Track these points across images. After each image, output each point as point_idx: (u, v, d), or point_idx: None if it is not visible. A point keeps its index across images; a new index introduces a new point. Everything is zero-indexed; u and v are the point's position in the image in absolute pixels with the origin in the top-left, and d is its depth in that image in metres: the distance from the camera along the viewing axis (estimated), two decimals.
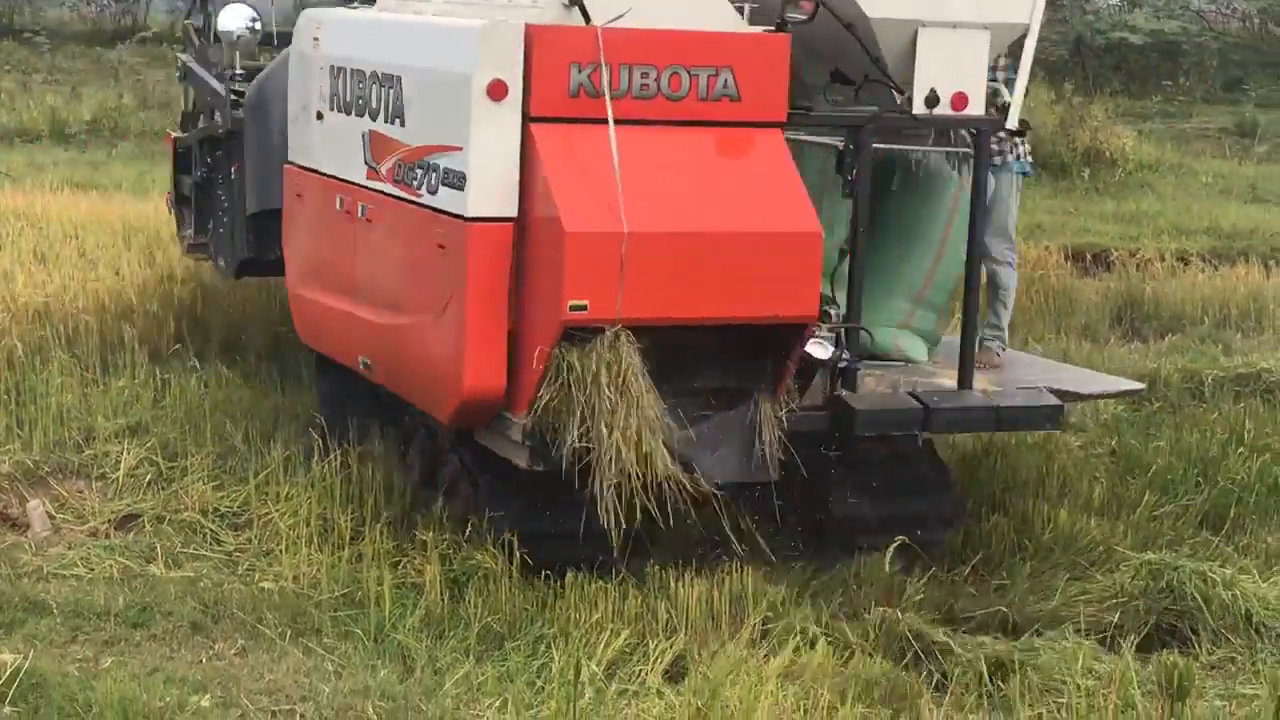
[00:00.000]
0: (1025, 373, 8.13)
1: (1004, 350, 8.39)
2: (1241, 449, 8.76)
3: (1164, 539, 7.92)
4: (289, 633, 6.57)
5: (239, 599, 6.89)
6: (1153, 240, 15.30)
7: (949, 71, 7.29)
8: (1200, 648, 6.71)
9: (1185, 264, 14.31)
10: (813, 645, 6.46)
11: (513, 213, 6.68)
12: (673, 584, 6.90)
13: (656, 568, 7.10)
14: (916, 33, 7.27)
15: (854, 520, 7.49)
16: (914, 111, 7.30)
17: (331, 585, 7.00)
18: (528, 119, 6.66)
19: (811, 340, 6.85)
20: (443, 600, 6.86)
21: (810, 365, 6.95)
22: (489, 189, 6.67)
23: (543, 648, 6.51)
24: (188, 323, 10.22)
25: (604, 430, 6.41)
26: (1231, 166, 20.43)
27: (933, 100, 7.26)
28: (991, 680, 6.38)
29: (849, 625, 6.80)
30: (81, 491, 8.14)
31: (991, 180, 8.01)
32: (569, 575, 6.96)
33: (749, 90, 6.82)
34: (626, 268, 6.41)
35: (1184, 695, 6.26)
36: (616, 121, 6.60)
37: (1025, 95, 7.61)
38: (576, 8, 6.67)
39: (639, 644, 6.50)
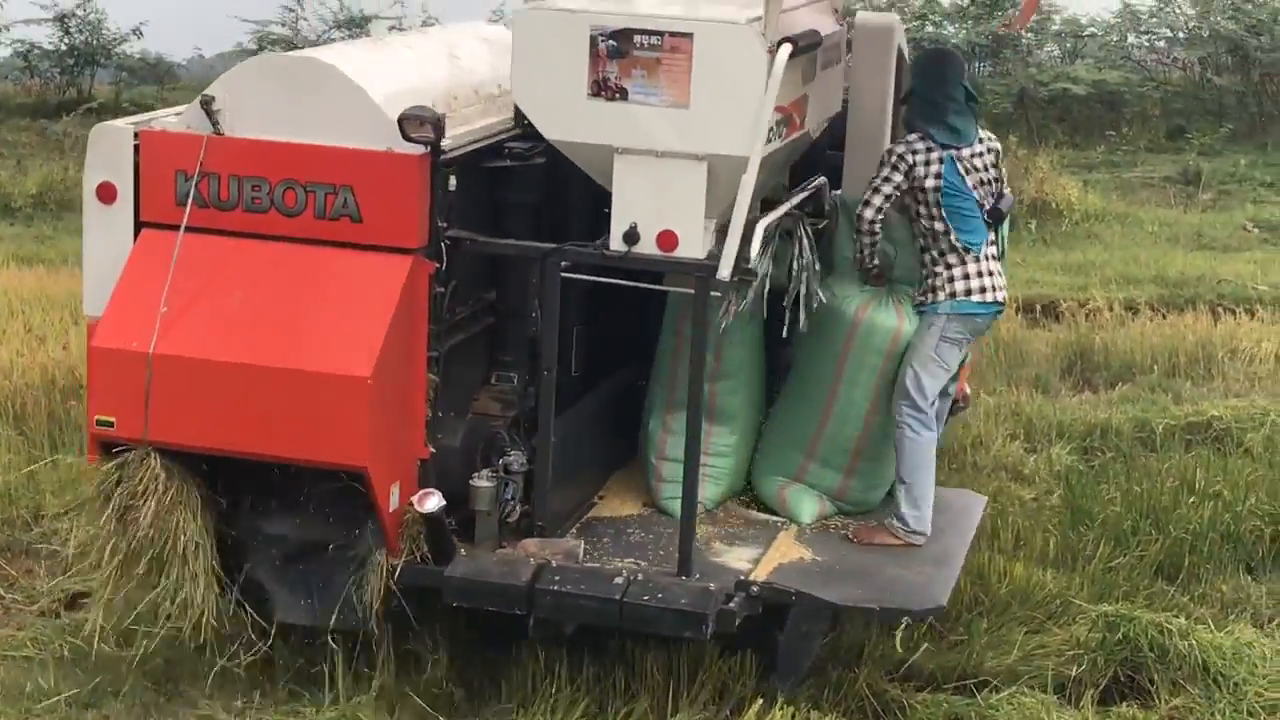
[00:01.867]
0: (863, 566, 7.00)
1: (913, 535, 7.18)
2: (1193, 497, 8.78)
3: (1119, 590, 7.92)
4: (246, 710, 6.50)
5: (191, 678, 6.81)
6: (1101, 290, 15.38)
7: (654, 206, 6.35)
8: (1158, 699, 6.71)
9: (1134, 313, 14.40)
10: (771, 705, 6.43)
11: None
12: (629, 650, 6.87)
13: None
14: (613, 160, 6.38)
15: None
16: (610, 248, 6.44)
17: (287, 662, 6.93)
18: (140, 224, 6.55)
19: (421, 493, 6.35)
20: (396, 676, 6.78)
21: (432, 519, 6.38)
22: (100, 290, 6.56)
23: (505, 717, 6.47)
24: None
25: (106, 549, 6.41)
26: (1176, 214, 20.58)
27: (632, 237, 6.35)
28: None
29: (806, 685, 6.76)
30: (30, 570, 8.06)
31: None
32: (526, 645, 6.88)
33: (371, 212, 6.34)
34: (153, 390, 6.23)
35: None
36: (219, 233, 6.44)
37: (752, 241, 6.45)
38: (203, 110, 6.46)
39: (599, 712, 6.47)
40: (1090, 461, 10.08)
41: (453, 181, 6.50)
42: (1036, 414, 10.97)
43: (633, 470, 7.67)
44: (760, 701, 6.44)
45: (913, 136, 7.21)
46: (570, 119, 6.42)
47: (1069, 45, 26.95)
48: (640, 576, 6.52)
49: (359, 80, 6.45)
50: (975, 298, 7.16)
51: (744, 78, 6.25)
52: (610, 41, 6.30)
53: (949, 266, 7.17)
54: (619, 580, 6.43)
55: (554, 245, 6.60)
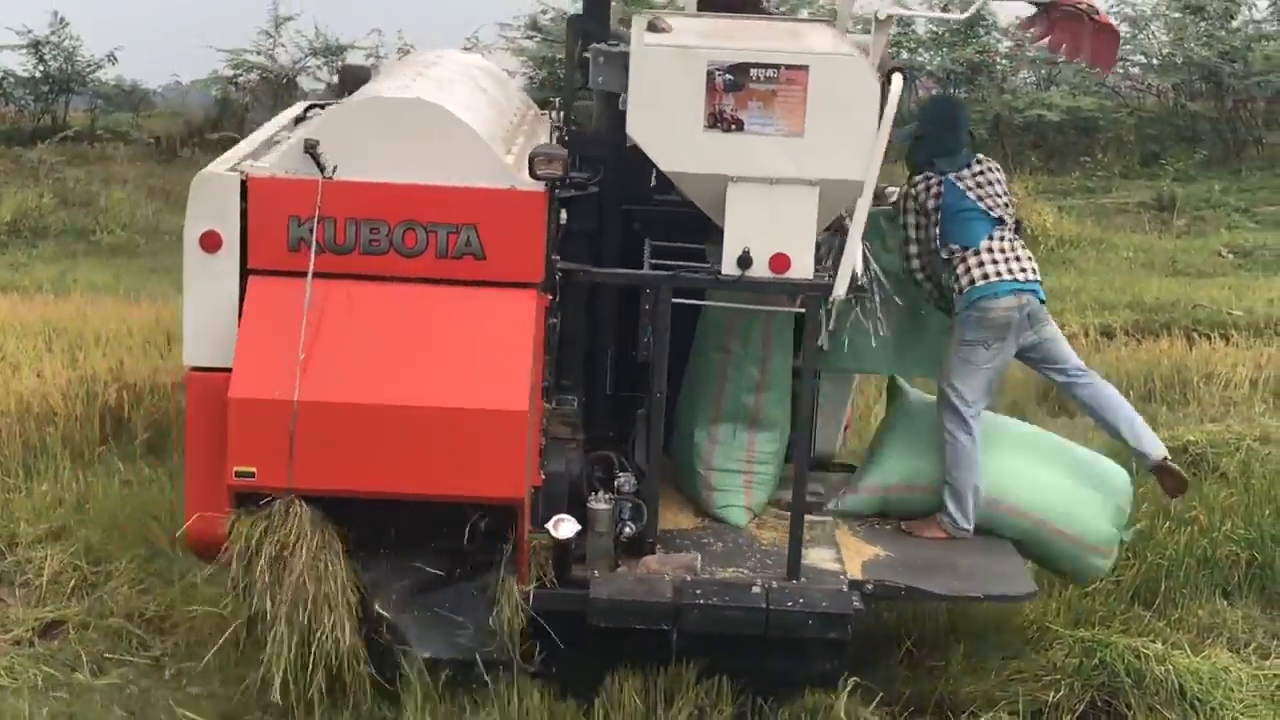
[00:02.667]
0: (934, 559, 7.32)
1: (959, 526, 7.53)
2: (1169, 522, 8.79)
3: (1096, 615, 7.92)
4: None
5: (165, 704, 6.78)
6: (1076, 315, 15.43)
7: (766, 231, 6.70)
8: None
9: (1109, 338, 14.46)
10: None
11: (228, 364, 6.46)
12: (607, 678, 6.85)
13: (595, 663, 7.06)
14: (727, 189, 6.71)
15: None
16: (723, 271, 6.78)
17: (261, 689, 6.89)
18: (246, 271, 6.54)
19: (555, 519, 6.56)
20: (376, 706, 6.76)
21: (562, 544, 6.60)
22: (203, 339, 6.59)
23: None
24: (111, 424, 10.12)
25: (268, 600, 6.36)
26: (1151, 240, 20.68)
27: (745, 261, 6.71)
28: None
29: (784, 712, 6.75)
30: (4, 599, 8.02)
31: None
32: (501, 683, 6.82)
33: (495, 249, 6.50)
34: (298, 436, 6.22)
35: None
36: (337, 276, 6.47)
37: (857, 260, 6.93)
38: (310, 155, 6.51)
39: None
40: None
41: (564, 215, 6.83)
42: None
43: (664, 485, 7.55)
44: None
45: (917, 178, 7.67)
46: (686, 150, 6.69)
47: (1044, 71, 27.07)
48: (775, 584, 6.76)
49: (467, 119, 6.62)
50: (980, 284, 7.42)
51: (857, 106, 6.62)
52: (727, 76, 6.62)
53: (952, 269, 7.53)
54: (757, 590, 6.70)
55: (669, 272, 6.83)
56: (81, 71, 25.55)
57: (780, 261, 6.71)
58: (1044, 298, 7.61)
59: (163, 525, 8.63)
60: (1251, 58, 24.95)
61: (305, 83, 28.24)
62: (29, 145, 23.03)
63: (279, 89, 27.37)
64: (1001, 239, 7.54)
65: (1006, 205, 7.67)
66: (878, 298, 7.70)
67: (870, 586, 6.90)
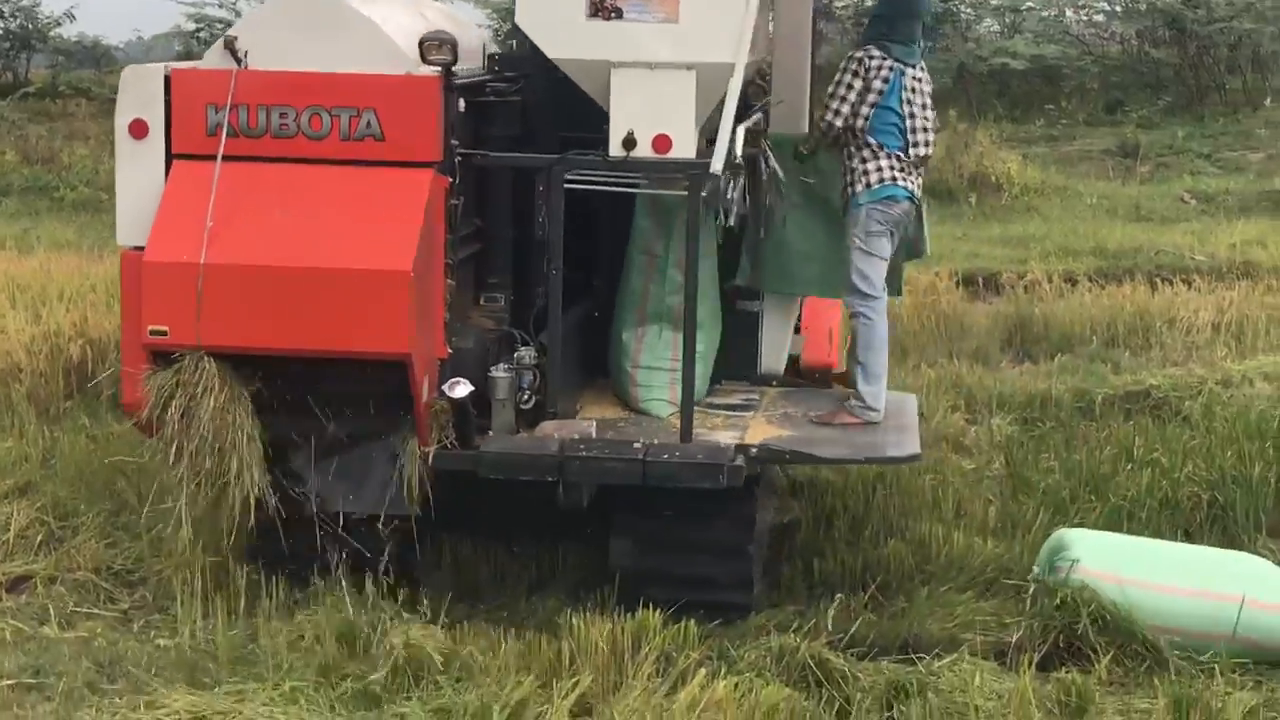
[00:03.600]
0: (834, 437, 7.73)
1: (869, 411, 7.89)
2: (1131, 465, 8.86)
3: None
4: (186, 689, 6.48)
5: (134, 657, 6.80)
6: (1040, 262, 15.51)
7: (649, 113, 7.07)
8: (1098, 664, 6.76)
9: (1073, 285, 14.53)
10: (714, 677, 6.47)
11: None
12: (575, 625, 6.89)
13: (564, 611, 7.12)
14: (610, 74, 7.10)
15: (638, 574, 7.37)
16: (610, 154, 7.12)
17: (228, 639, 6.92)
18: (170, 156, 7.09)
19: (450, 382, 6.96)
20: (341, 651, 6.80)
21: (458, 404, 6.98)
22: (133, 220, 7.12)
23: (448, 694, 6.47)
24: (76, 379, 10.11)
25: (181, 448, 6.89)
26: (1115, 187, 20.76)
27: (630, 143, 7.07)
28: (892, 705, 6.41)
29: (750, 654, 6.80)
30: None
31: None
32: (468, 623, 6.94)
33: (394, 131, 6.97)
34: (204, 297, 6.77)
35: (1082, 712, 6.35)
36: (251, 159, 7.01)
37: (737, 139, 7.19)
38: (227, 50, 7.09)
39: (544, 687, 6.48)
40: (1030, 431, 10.17)
41: (462, 103, 7.18)
42: (977, 385, 11.06)
43: (601, 386, 8.08)
44: (704, 671, 6.47)
45: (871, 47, 7.98)
46: (570, 38, 7.17)
47: (1008, 20, 27.10)
48: (657, 442, 7.22)
49: (367, 13, 7.14)
50: (889, 186, 7.89)
51: None
52: None
53: (864, 161, 7.91)
54: (639, 445, 7.17)
55: (559, 155, 7.24)
56: (42, 29, 25.37)
57: (662, 142, 7.06)
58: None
59: (129, 480, 8.65)
60: (1214, 3, 25.00)
61: None
62: None
63: None
64: (921, 149, 8.03)
65: (931, 116, 8.12)
66: (783, 216, 8.10)
67: (755, 450, 7.29)
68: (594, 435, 7.28)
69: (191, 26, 26.46)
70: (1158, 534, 8.21)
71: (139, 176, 7.12)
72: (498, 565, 7.84)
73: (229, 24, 25.95)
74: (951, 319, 13.22)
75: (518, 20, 7.35)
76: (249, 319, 6.84)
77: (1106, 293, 14.02)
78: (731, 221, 7.68)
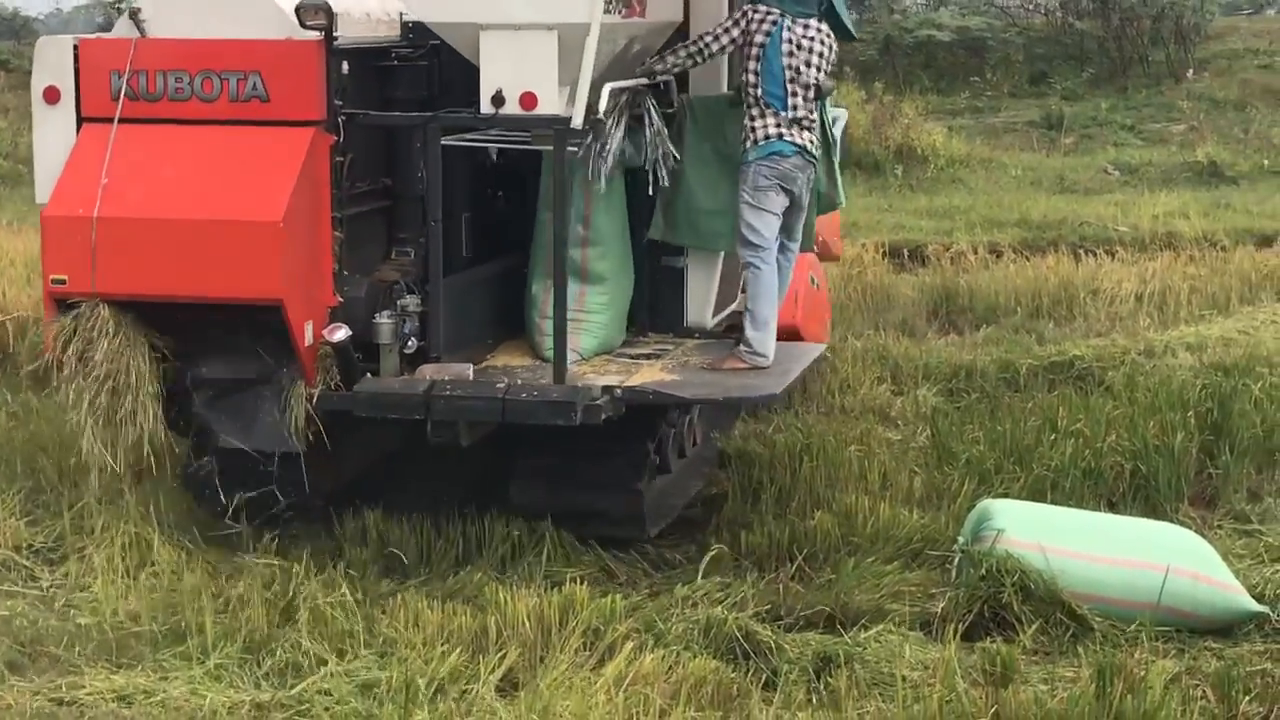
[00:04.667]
0: (713, 381, 8.05)
1: (756, 357, 8.18)
2: (1055, 435, 8.91)
3: None
4: (109, 668, 6.43)
5: (56, 636, 6.73)
6: (966, 234, 15.60)
7: (515, 72, 7.49)
8: (1023, 634, 6.80)
9: (998, 256, 14.62)
10: (641, 650, 6.47)
11: None
12: (501, 598, 6.88)
13: (491, 584, 7.10)
14: (479, 36, 7.52)
15: (530, 506, 7.93)
16: (480, 111, 7.56)
17: (151, 616, 6.86)
18: (80, 119, 7.60)
19: (330, 327, 7.47)
20: (267, 625, 6.76)
21: (338, 347, 7.47)
22: (48, 180, 7.61)
23: (373, 668, 6.44)
24: None
25: (81, 388, 7.41)
26: (1039, 159, 20.88)
27: (498, 100, 7.49)
28: (820, 676, 6.43)
29: (677, 626, 6.81)
30: None
31: None
32: (398, 596, 6.94)
33: (277, 92, 7.47)
34: (98, 248, 7.29)
35: (1007, 681, 6.38)
36: (143, 121, 7.53)
37: (601, 96, 7.65)
38: (130, 19, 7.62)
39: (470, 661, 6.47)
40: (956, 402, 10.22)
41: (345, 66, 7.55)
42: (903, 357, 11.10)
43: (521, 339, 8.46)
44: (631, 644, 6.47)
45: (759, 3, 8.22)
46: (442, 3, 7.73)
47: None
48: (520, 382, 7.67)
49: None
50: (775, 143, 8.16)
51: None
52: None
53: (753, 119, 8.21)
54: (501, 385, 7.60)
55: (432, 114, 7.71)
56: None
57: (529, 99, 7.48)
58: (817, 175, 8.56)
59: (50, 457, 8.56)
60: None
61: None
62: None
63: None
64: (806, 106, 8.22)
65: (817, 74, 8.25)
66: (659, 152, 8.28)
67: (619, 391, 7.64)
68: (469, 377, 7.65)
69: None
70: (1081, 504, 8.27)
71: (54, 139, 7.61)
72: (423, 539, 7.80)
73: None
74: (878, 290, 13.27)
75: None
76: (139, 268, 7.33)
77: (1031, 264, 14.10)
78: (603, 179, 7.96)
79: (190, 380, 7.66)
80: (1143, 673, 6.24)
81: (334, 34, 7.40)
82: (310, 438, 7.53)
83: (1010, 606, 6.95)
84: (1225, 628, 6.97)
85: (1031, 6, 28.09)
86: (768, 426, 9.72)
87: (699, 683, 6.21)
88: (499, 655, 6.46)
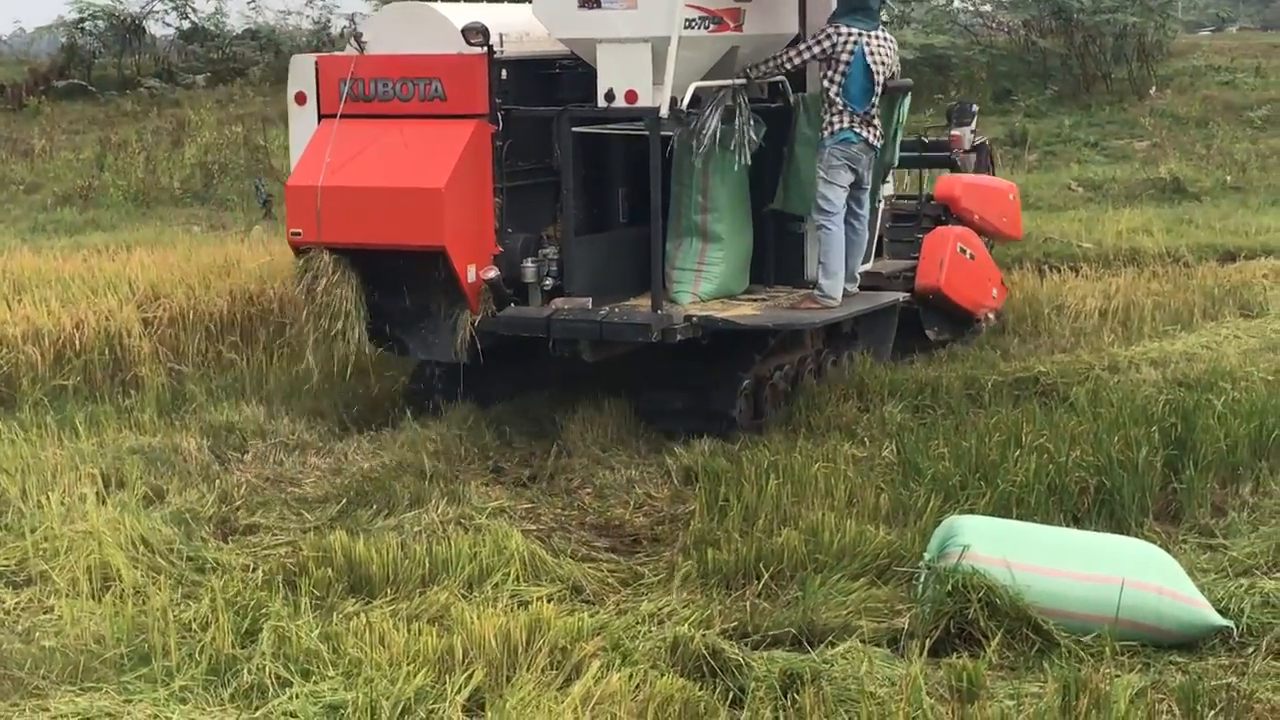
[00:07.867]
0: (785, 317, 10.44)
1: (827, 299, 10.51)
2: (1019, 451, 8.93)
3: None
4: (74, 691, 6.39)
5: (19, 659, 6.68)
6: None
7: (622, 75, 9.78)
8: (988, 649, 6.81)
9: None
10: (608, 669, 6.46)
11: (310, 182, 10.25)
12: (467, 618, 6.86)
13: (457, 604, 7.09)
14: (596, 48, 9.82)
15: (656, 408, 10.36)
16: (599, 105, 9.85)
17: (116, 639, 6.83)
18: (320, 116, 10.27)
19: (487, 266, 9.93)
20: (232, 646, 6.73)
21: (491, 283, 9.94)
22: (297, 164, 10.29)
23: (339, 690, 6.41)
24: None
25: (312, 311, 10.08)
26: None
27: (610, 96, 9.80)
28: (786, 694, 6.42)
29: (644, 645, 6.80)
30: None
31: None
32: (359, 619, 6.94)
33: (452, 93, 10.03)
34: (322, 209, 9.92)
35: (973, 697, 6.38)
36: (361, 116, 10.21)
37: (686, 93, 9.93)
38: (354, 41, 10.48)
39: (437, 681, 6.44)
40: (921, 418, 10.23)
41: (504, 73, 10.00)
42: (869, 374, 11.11)
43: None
44: (598, 663, 6.47)
45: (840, 25, 10.45)
46: (569, 24, 10.06)
47: (897, 10, 27.24)
48: (620, 309, 10.11)
49: (445, 13, 10.25)
50: (845, 132, 10.50)
51: None
52: None
53: (833, 114, 10.54)
54: (604, 311, 10.01)
55: (563, 106, 10.19)
56: None
57: (631, 95, 9.81)
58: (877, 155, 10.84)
59: (12, 478, 8.51)
60: None
61: (153, 27, 27.74)
62: None
63: (127, 33, 26.88)
64: (874, 106, 10.53)
65: (886, 75, 10.54)
66: (747, 152, 10.44)
67: (695, 318, 10.05)
68: (588, 308, 9.96)
69: (75, 17, 26.09)
70: (1046, 519, 8.29)
71: (302, 131, 10.35)
72: (388, 559, 7.77)
73: (112, 16, 25.76)
74: None
75: (533, 12, 10.28)
76: (349, 223, 9.97)
77: None
78: (697, 155, 10.27)
79: (389, 309, 10.18)
80: (1108, 687, 6.25)
81: (494, 49, 9.79)
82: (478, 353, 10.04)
83: (976, 622, 6.96)
84: (1190, 642, 6.99)
85: (995, 25, 28.20)
86: (735, 444, 9.73)
87: (666, 701, 6.20)
88: (465, 675, 6.44)
